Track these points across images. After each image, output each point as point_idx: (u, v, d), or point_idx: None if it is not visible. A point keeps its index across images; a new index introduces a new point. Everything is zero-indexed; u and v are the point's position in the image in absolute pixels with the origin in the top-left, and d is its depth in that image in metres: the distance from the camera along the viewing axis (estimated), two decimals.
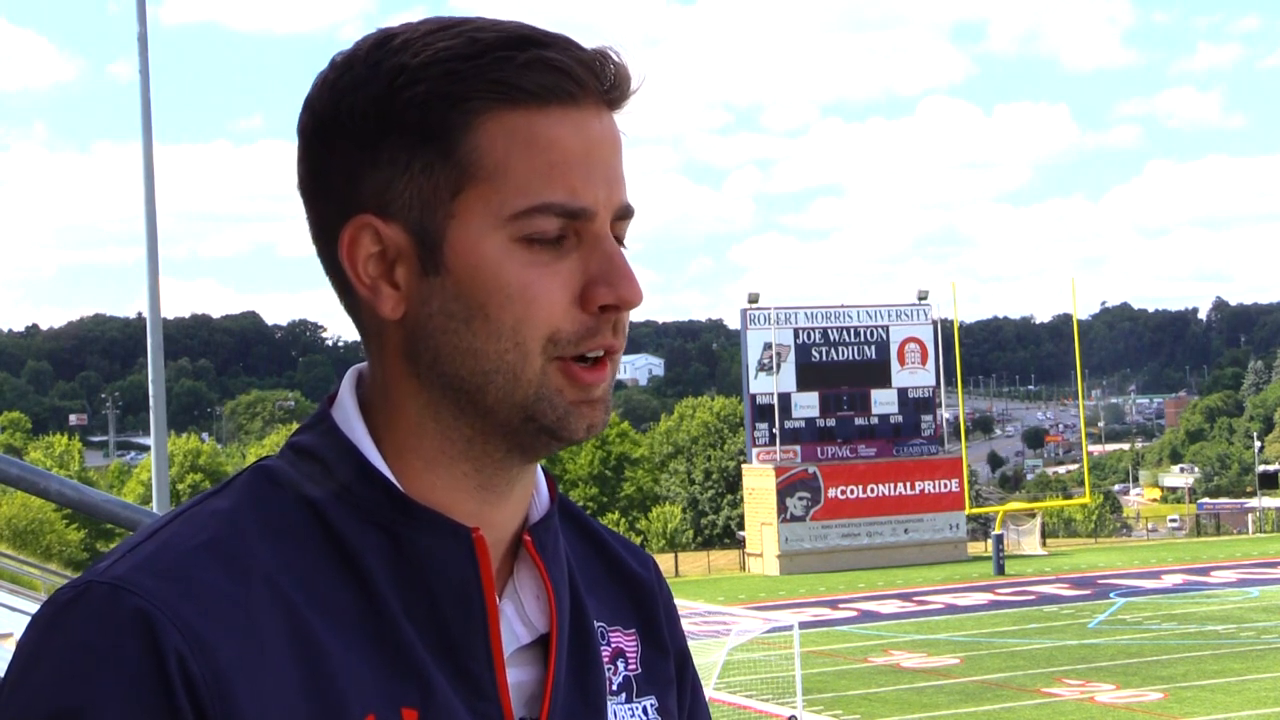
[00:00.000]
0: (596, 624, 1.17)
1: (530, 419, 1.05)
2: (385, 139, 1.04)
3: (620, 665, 1.19)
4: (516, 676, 1.08)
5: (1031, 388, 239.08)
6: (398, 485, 1.06)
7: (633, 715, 1.18)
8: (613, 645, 1.19)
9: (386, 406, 1.09)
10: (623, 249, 1.08)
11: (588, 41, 1.08)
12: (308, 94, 1.08)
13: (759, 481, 56.96)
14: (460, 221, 1.03)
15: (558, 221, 1.03)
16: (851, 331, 58.25)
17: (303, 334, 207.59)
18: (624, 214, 1.07)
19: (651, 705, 1.20)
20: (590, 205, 1.04)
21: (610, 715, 1.15)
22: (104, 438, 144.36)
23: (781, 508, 55.53)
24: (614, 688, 1.17)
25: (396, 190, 1.04)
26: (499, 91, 1.03)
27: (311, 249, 1.11)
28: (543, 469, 1.17)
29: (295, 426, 1.14)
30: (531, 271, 1.03)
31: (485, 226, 1.03)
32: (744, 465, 60.69)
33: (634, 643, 1.21)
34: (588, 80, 1.05)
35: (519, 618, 1.10)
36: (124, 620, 0.95)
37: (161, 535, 1.02)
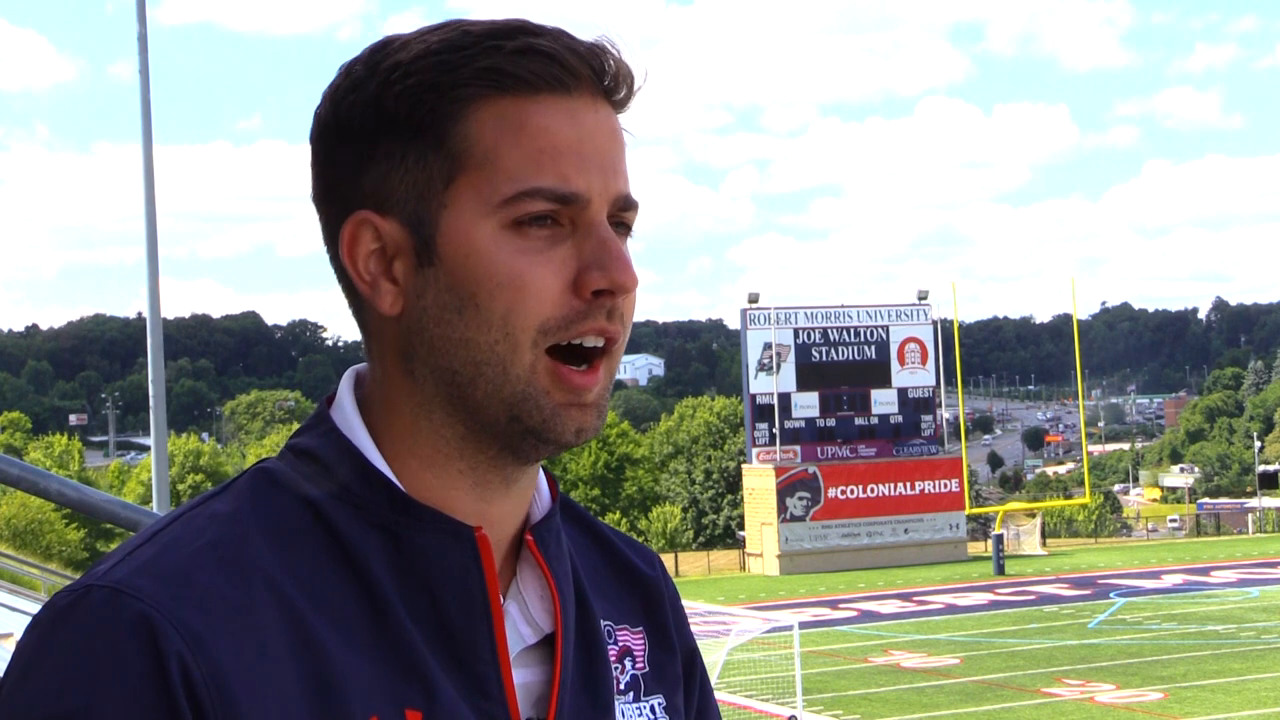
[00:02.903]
0: (603, 623, 1.17)
1: (516, 419, 1.04)
2: (381, 135, 1.04)
3: (627, 664, 1.18)
4: (523, 677, 1.08)
5: (1031, 388, 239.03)
6: (399, 485, 1.06)
7: (640, 714, 1.18)
8: (620, 644, 1.18)
9: (383, 406, 1.08)
10: (629, 239, 1.08)
11: (588, 34, 1.07)
12: (318, 104, 1.09)
13: (759, 481, 56.94)
14: (452, 211, 1.03)
15: (549, 207, 1.02)
16: (851, 331, 58.22)
17: (303, 334, 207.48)
18: (626, 205, 1.07)
19: (659, 704, 1.19)
20: (582, 191, 1.03)
21: (618, 714, 1.14)
22: (104, 438, 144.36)
23: (781, 508, 55.50)
24: (621, 687, 1.17)
25: (392, 185, 1.05)
26: (488, 79, 1.03)
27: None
28: (544, 469, 1.17)
29: (295, 426, 1.15)
30: (522, 259, 1.02)
31: (476, 214, 1.03)
32: (744, 465, 60.64)
33: (641, 641, 1.21)
34: (580, 70, 1.05)
35: (523, 618, 1.09)
36: (124, 624, 0.94)
37: (161, 538, 1.01)
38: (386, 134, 1.04)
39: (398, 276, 1.06)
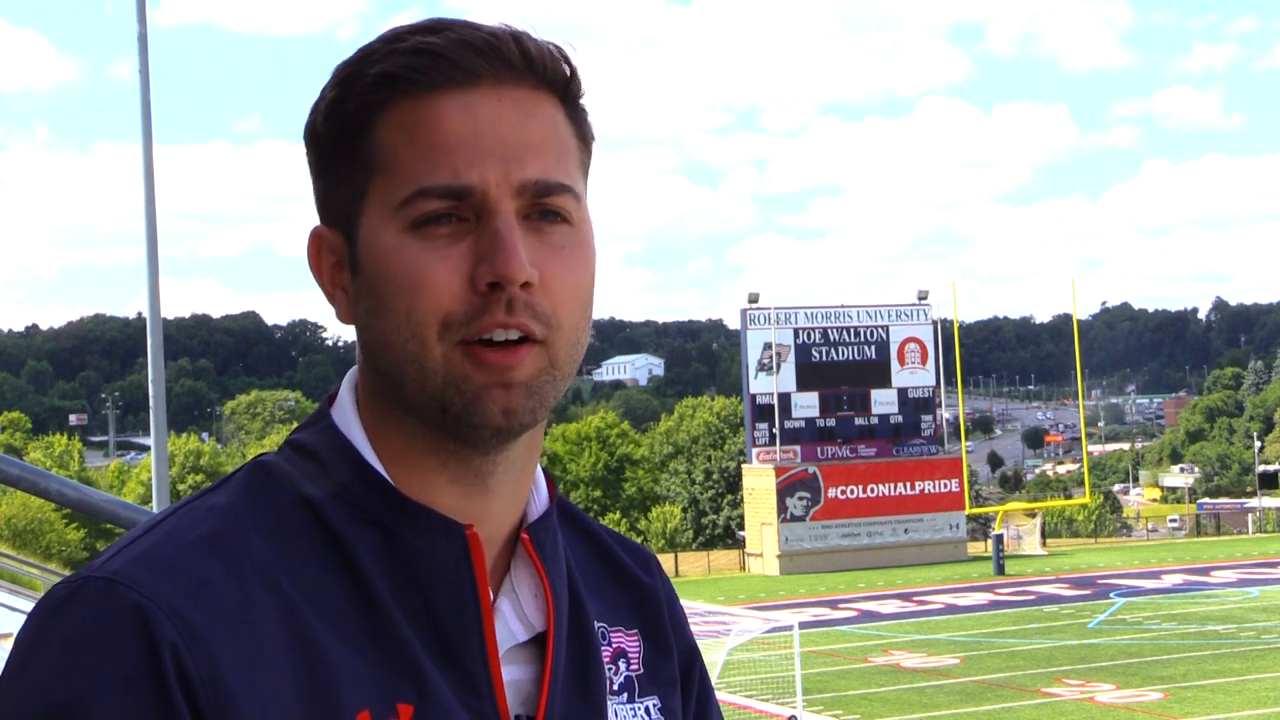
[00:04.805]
0: (597, 624, 1.17)
1: (443, 409, 1.04)
2: (322, 150, 1.09)
3: (622, 665, 1.18)
4: (514, 674, 1.08)
5: (1031, 388, 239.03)
6: (392, 483, 1.07)
7: (634, 715, 1.18)
8: (614, 645, 1.18)
9: (366, 407, 1.11)
10: (565, 224, 1.06)
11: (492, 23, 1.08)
12: None
13: (759, 481, 56.93)
14: (365, 218, 1.06)
15: (443, 204, 1.03)
16: (851, 331, 58.21)
17: (303, 334, 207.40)
18: (543, 190, 1.05)
19: (654, 705, 1.20)
20: (474, 184, 1.03)
21: (611, 715, 1.15)
22: (104, 438, 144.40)
23: (781, 508, 55.49)
24: (615, 687, 1.17)
25: (332, 198, 1.09)
26: (386, 84, 1.04)
27: None
28: (544, 470, 1.17)
29: (295, 427, 1.17)
30: (421, 257, 1.03)
31: (382, 219, 1.04)
32: (744, 465, 60.62)
33: (636, 643, 1.21)
34: (471, 62, 1.04)
35: (516, 615, 1.10)
36: (120, 615, 0.96)
37: (159, 530, 1.03)
38: (325, 150, 1.08)
39: (345, 286, 1.09)
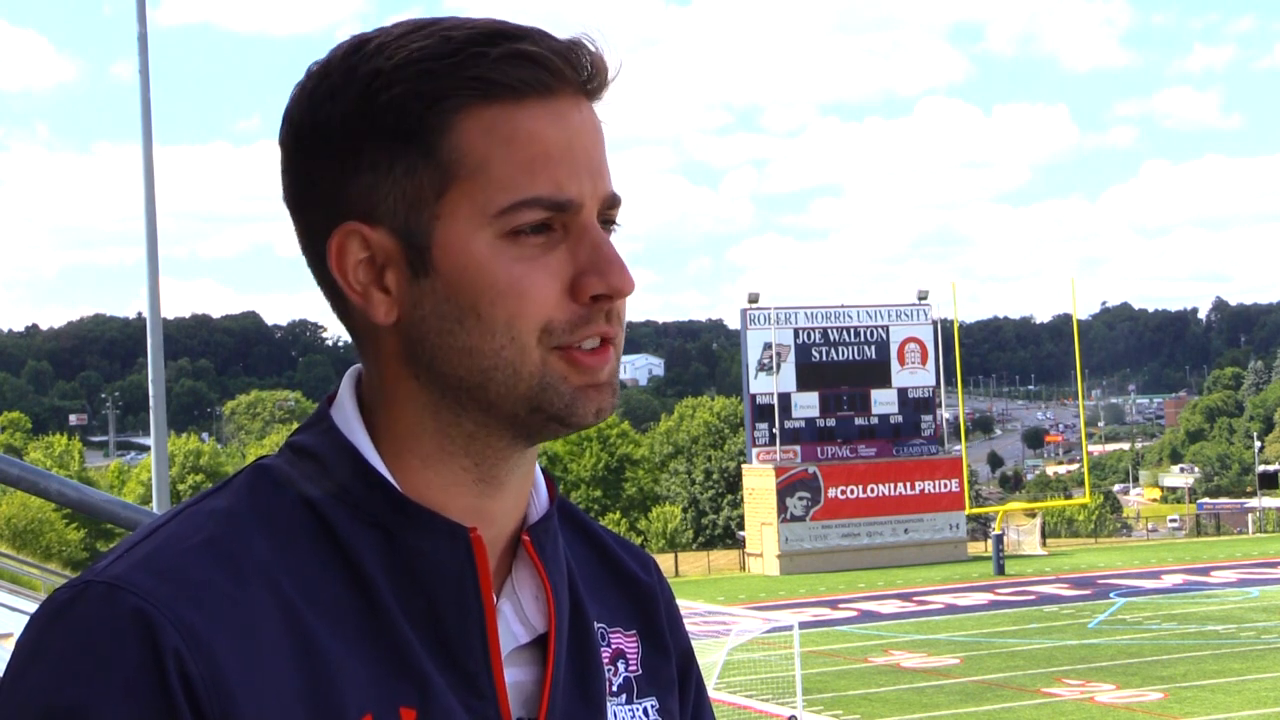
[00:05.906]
0: (597, 625, 1.17)
1: (537, 409, 1.05)
2: (366, 144, 1.03)
3: (621, 666, 1.18)
4: (515, 676, 1.08)
5: (1031, 388, 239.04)
6: (395, 485, 1.06)
7: (633, 716, 1.18)
8: (613, 646, 1.18)
9: (384, 407, 1.09)
10: (612, 232, 1.09)
11: (564, 31, 1.07)
12: (286, 105, 1.09)
13: (759, 481, 56.93)
14: (446, 222, 1.03)
15: (544, 215, 1.03)
16: (851, 331, 58.21)
17: (303, 334, 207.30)
18: (612, 203, 1.07)
19: (652, 707, 1.20)
20: (576, 197, 1.04)
21: (610, 716, 1.15)
22: (104, 438, 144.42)
23: (781, 508, 55.49)
24: (614, 689, 1.17)
25: (380, 195, 1.04)
26: (475, 88, 1.02)
27: None
28: (544, 471, 1.17)
29: (295, 426, 1.16)
30: (520, 266, 1.03)
31: (472, 225, 1.03)
32: (744, 465, 60.62)
33: (634, 644, 1.21)
34: (564, 71, 1.04)
35: (517, 617, 1.10)
36: (122, 620, 0.95)
37: (160, 534, 1.02)
38: (372, 144, 1.03)
39: (390, 286, 1.05)
